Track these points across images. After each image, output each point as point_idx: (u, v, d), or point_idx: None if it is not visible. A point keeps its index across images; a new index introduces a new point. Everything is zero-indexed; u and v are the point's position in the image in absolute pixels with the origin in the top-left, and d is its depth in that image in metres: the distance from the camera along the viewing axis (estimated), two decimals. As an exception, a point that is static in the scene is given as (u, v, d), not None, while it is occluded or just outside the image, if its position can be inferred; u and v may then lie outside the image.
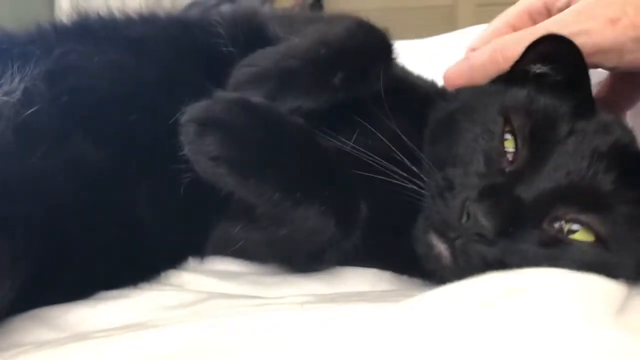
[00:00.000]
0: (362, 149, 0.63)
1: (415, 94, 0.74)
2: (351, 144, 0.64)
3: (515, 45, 0.65)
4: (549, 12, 0.72)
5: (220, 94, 0.60)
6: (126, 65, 0.69)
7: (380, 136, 0.64)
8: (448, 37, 1.47)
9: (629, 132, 0.62)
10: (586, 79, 0.60)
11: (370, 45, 0.69)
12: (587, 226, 0.55)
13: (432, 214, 0.58)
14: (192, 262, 0.67)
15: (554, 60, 0.61)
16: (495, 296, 0.43)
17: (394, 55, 0.71)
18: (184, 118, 0.57)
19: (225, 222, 0.66)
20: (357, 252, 0.62)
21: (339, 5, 2.98)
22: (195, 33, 0.74)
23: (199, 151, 0.56)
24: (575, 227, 0.55)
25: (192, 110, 0.57)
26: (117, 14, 0.77)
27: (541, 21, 0.72)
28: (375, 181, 0.61)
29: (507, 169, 0.58)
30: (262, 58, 0.65)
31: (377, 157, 0.62)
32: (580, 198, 0.55)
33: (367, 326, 0.41)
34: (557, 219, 0.55)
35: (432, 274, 0.60)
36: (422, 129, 0.67)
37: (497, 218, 0.53)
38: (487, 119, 0.61)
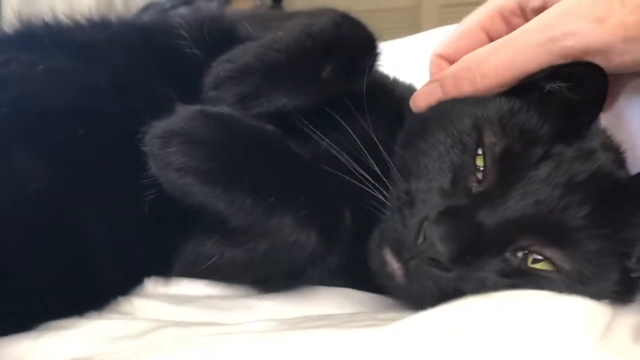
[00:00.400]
0: (336, 148, 0.60)
1: (393, 96, 0.71)
2: (325, 142, 0.61)
3: (489, 58, 0.59)
4: (523, 12, 0.67)
5: (181, 107, 0.56)
6: (74, 73, 0.65)
7: (355, 138, 0.61)
8: (412, 39, 1.46)
9: (616, 156, 0.59)
10: (602, 106, 0.57)
11: (357, 37, 0.65)
12: (549, 261, 0.52)
13: (389, 229, 0.55)
14: (145, 286, 0.62)
15: (576, 81, 0.56)
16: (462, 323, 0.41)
17: (379, 50, 0.68)
18: (147, 137, 0.54)
19: (197, 237, 0.61)
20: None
21: (298, 8, 2.96)
22: (152, 36, 0.70)
23: (163, 165, 0.53)
24: (540, 256, 0.53)
25: (154, 128, 0.54)
26: (63, 19, 0.73)
27: (515, 21, 0.67)
28: (346, 186, 0.59)
29: (475, 190, 0.55)
30: (243, 53, 0.60)
31: (349, 159, 0.59)
32: (546, 231, 0.53)
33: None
34: (521, 248, 0.53)
35: (386, 290, 0.58)
36: (397, 133, 0.64)
37: (454, 244, 0.50)
38: (461, 130, 0.57)
